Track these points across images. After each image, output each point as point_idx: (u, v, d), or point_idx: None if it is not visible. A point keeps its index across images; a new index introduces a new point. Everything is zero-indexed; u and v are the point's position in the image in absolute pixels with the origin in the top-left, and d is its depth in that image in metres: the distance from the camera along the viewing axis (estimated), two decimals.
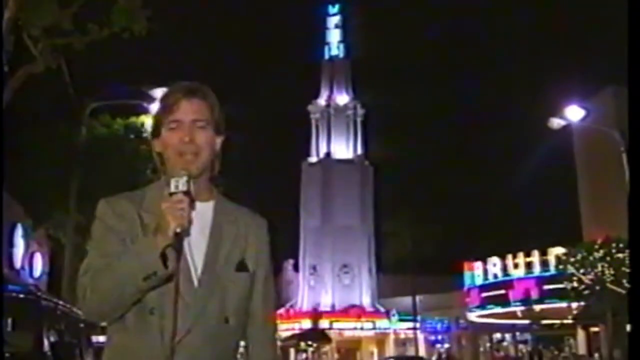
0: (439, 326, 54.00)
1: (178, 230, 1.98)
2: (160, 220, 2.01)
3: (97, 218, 2.17)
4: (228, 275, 2.16)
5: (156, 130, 2.22)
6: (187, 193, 2.01)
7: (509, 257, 41.58)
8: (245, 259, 2.21)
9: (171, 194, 2.01)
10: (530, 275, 39.54)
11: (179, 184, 2.02)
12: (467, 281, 45.87)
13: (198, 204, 2.10)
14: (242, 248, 2.22)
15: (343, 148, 66.36)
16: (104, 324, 2.17)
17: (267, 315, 2.28)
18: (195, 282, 2.10)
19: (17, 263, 19.89)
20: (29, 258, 21.07)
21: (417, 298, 50.35)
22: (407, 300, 52.20)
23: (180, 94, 2.19)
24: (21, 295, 7.80)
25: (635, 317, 3.76)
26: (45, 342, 7.53)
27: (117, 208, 2.15)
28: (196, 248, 2.13)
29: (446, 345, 54.30)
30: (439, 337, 54.88)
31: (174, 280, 2.00)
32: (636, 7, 3.73)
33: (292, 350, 55.70)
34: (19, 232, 19.85)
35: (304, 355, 55.99)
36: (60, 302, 8.69)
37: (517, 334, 48.92)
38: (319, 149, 66.93)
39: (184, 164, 2.11)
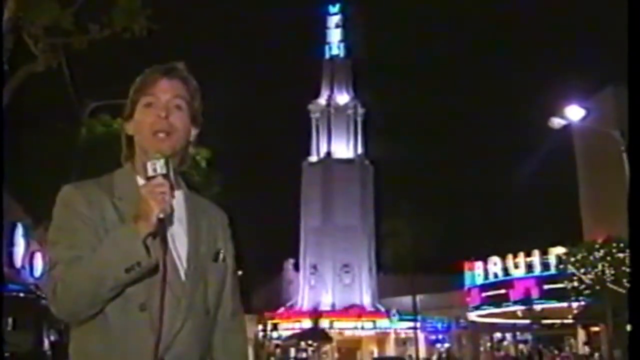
0: (439, 326, 54.04)
1: (161, 215, 1.85)
2: (141, 205, 1.86)
3: (63, 205, 2.00)
4: (207, 266, 2.06)
5: (130, 112, 2.08)
6: (165, 176, 1.89)
7: (510, 256, 41.60)
8: (220, 249, 2.13)
9: (149, 178, 1.89)
10: (531, 275, 39.56)
11: (156, 166, 1.89)
12: (468, 281, 45.89)
13: None
14: (215, 238, 2.13)
15: (343, 147, 66.38)
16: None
17: (235, 305, 2.19)
18: (182, 275, 1.98)
19: (18, 262, 19.86)
20: (29, 257, 21.03)
21: (418, 297, 50.34)
22: (407, 300, 52.19)
23: (160, 73, 2.07)
24: (21, 295, 7.81)
25: (635, 318, 3.76)
26: (45, 342, 7.54)
27: (87, 194, 2.00)
28: (178, 239, 2.01)
29: (446, 345, 54.34)
30: (440, 337, 54.92)
31: (160, 271, 1.86)
32: (636, 6, 3.73)
33: (292, 350, 55.72)
34: (19, 231, 19.83)
35: (304, 355, 55.97)
36: None
37: (518, 333, 48.95)
38: (319, 149, 66.95)
39: (157, 143, 1.99)
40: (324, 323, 54.38)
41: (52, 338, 7.83)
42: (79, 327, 1.96)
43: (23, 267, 20.44)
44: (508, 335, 50.92)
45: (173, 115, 2.04)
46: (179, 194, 2.08)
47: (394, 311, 55.84)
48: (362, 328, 57.11)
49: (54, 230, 2.00)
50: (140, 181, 1.99)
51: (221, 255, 2.12)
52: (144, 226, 1.84)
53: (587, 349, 39.37)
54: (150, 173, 1.89)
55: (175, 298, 1.94)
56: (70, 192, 2.03)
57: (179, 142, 2.06)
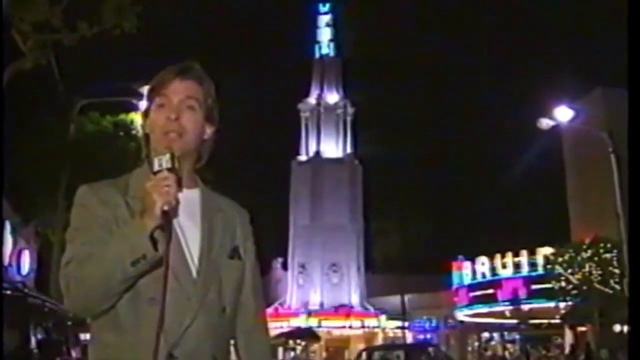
0: (427, 325, 54.15)
1: (165, 208, 1.88)
2: (146, 199, 1.89)
3: (79, 205, 2.05)
4: (223, 263, 2.07)
5: (147, 110, 2.14)
6: (172, 170, 1.92)
7: (498, 256, 41.70)
8: (238, 247, 2.15)
9: (155, 173, 1.92)
10: (519, 275, 39.67)
11: (162, 161, 1.93)
12: (456, 280, 45.99)
13: (185, 190, 2.00)
14: (232, 236, 2.14)
15: (333, 147, 66.38)
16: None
17: (258, 305, 2.21)
18: (194, 272, 2.00)
19: (5, 260, 19.79)
20: (16, 255, 20.95)
21: (406, 297, 50.44)
22: (395, 300, 52.28)
23: (174, 73, 2.10)
24: (8, 292, 7.77)
25: (634, 318, 3.77)
26: (32, 340, 7.50)
27: (101, 194, 2.04)
28: (190, 236, 2.03)
29: None
30: (428, 336, 55.02)
31: (164, 264, 1.89)
32: (636, 6, 3.74)
33: (280, 349, 55.68)
34: (6, 229, 19.74)
35: (292, 354, 55.96)
36: (48, 300, 8.65)
37: (505, 333, 49.11)
38: (308, 148, 66.91)
39: (167, 142, 2.02)
40: (312, 322, 54.39)
41: (39, 336, 7.79)
42: (95, 321, 2.00)
43: (10, 264, 20.36)
44: (496, 335, 51.09)
45: (184, 116, 2.06)
46: (194, 192, 2.12)
47: (382, 310, 55.93)
48: (351, 327, 57.17)
49: (70, 229, 2.04)
50: None
51: (238, 253, 2.14)
52: (149, 220, 1.88)
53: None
54: (156, 168, 1.93)
55: (185, 294, 1.96)
56: (84, 192, 2.08)
57: (190, 142, 2.09)
